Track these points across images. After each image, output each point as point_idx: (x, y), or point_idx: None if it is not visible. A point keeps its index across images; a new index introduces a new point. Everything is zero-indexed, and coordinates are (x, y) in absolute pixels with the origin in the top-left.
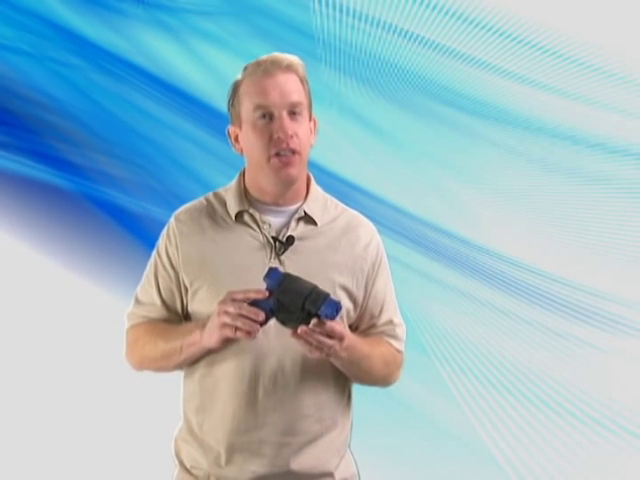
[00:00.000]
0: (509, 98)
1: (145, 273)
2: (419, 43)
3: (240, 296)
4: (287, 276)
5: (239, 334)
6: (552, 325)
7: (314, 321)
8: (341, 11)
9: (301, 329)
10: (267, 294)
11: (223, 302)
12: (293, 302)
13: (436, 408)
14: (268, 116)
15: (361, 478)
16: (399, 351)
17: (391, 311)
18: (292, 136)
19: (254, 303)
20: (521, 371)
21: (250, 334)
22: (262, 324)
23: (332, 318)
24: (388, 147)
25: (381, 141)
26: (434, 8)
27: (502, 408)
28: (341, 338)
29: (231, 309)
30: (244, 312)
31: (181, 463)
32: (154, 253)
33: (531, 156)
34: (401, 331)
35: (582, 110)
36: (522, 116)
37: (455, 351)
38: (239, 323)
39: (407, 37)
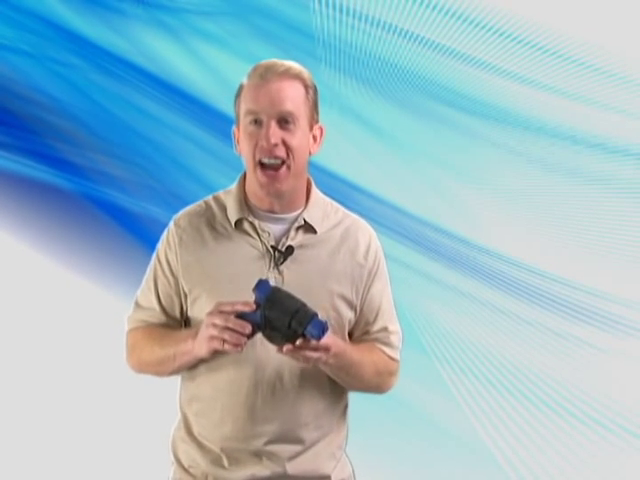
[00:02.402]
0: (509, 98)
1: (145, 277)
2: (419, 43)
3: (227, 308)
4: (275, 290)
5: (227, 347)
6: (552, 325)
7: (299, 341)
8: (341, 11)
9: (286, 348)
10: (254, 307)
11: (211, 314)
12: (279, 320)
13: (436, 408)
14: (258, 122)
15: (359, 479)
16: (393, 359)
17: (386, 318)
18: (276, 144)
19: (242, 315)
20: (521, 371)
21: (237, 347)
22: (249, 337)
23: (318, 338)
24: (388, 147)
25: (381, 141)
26: (434, 8)
27: (502, 408)
28: (327, 349)
29: (218, 321)
30: (230, 325)
31: (178, 462)
32: (154, 258)
33: (531, 156)
34: (396, 339)
35: (582, 110)
36: (522, 116)
37: (455, 351)
38: (226, 336)
39: (407, 37)
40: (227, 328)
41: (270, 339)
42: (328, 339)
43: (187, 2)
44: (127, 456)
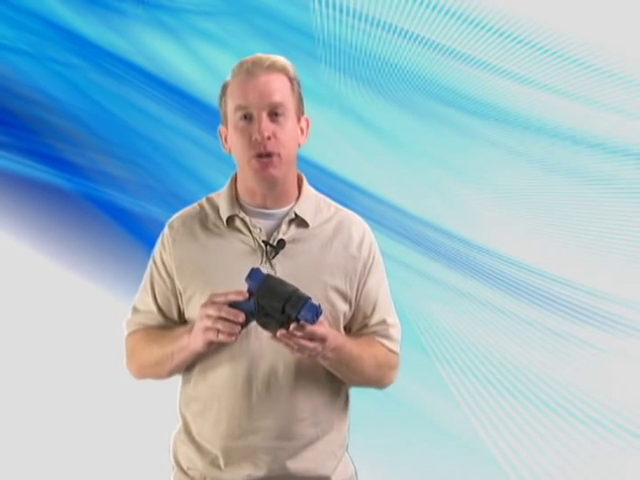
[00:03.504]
0: (509, 98)
1: (142, 282)
2: (419, 43)
3: (221, 299)
4: (268, 278)
5: (221, 337)
6: (552, 325)
7: (293, 325)
8: (341, 11)
9: (280, 333)
10: (247, 295)
11: (204, 306)
12: (273, 306)
13: (436, 408)
14: (248, 117)
15: (360, 479)
16: (393, 352)
17: (384, 311)
18: (269, 138)
19: (235, 305)
20: (521, 371)
21: (231, 336)
22: (243, 325)
23: (312, 322)
24: (388, 147)
25: (381, 141)
26: (434, 8)
27: (502, 408)
28: (323, 340)
29: (212, 312)
30: (224, 314)
31: (178, 464)
32: (150, 261)
33: (531, 156)
34: (395, 332)
35: (582, 110)
36: (522, 116)
37: (455, 351)
38: (219, 325)
39: (407, 37)
40: (221, 318)
41: (264, 326)
42: (324, 329)
43: (187, 2)
44: (128, 460)
